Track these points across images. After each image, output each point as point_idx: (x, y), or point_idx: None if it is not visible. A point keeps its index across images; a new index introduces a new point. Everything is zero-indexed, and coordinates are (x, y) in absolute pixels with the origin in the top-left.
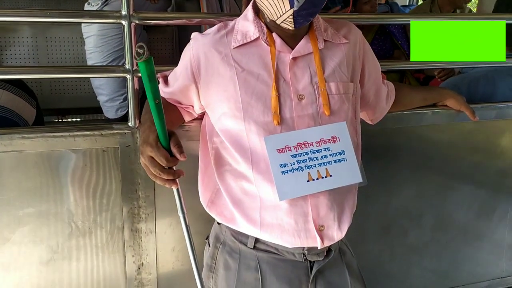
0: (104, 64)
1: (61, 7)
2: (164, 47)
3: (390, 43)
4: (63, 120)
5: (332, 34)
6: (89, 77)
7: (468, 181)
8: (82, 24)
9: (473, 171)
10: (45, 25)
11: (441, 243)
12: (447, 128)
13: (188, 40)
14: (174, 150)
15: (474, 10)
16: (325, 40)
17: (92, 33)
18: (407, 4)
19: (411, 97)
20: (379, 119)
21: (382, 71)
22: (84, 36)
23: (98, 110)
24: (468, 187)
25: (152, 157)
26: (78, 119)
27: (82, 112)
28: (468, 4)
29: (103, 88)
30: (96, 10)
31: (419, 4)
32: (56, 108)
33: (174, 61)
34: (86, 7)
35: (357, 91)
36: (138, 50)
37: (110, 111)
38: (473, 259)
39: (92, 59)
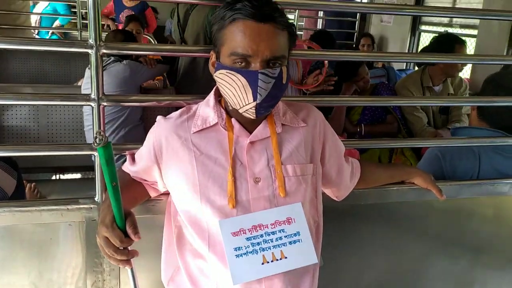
0: None
1: (70, 65)
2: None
3: (383, 108)
4: (60, 178)
5: (291, 118)
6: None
7: (443, 257)
8: (82, 87)
9: (448, 247)
10: (47, 86)
11: None
12: (419, 204)
13: None
14: (129, 230)
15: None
16: (283, 124)
17: None
18: (404, 68)
19: (377, 174)
20: (344, 196)
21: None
22: None
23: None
24: (443, 263)
25: (107, 238)
26: (78, 176)
27: (80, 170)
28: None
29: None
30: None
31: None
32: (54, 166)
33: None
34: (87, 71)
35: (318, 171)
36: (97, 136)
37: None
38: None
39: (89, 120)
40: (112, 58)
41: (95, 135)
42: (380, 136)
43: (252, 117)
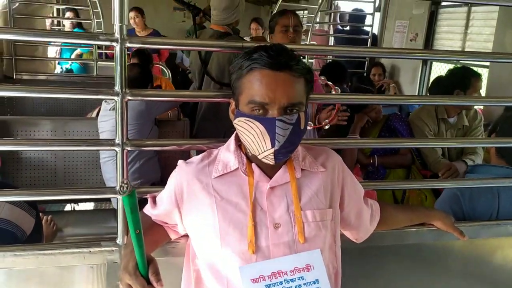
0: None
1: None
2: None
3: None
4: (75, 209)
5: (310, 163)
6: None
7: None
8: (98, 119)
9: None
10: (66, 119)
11: None
12: (439, 245)
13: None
14: (152, 278)
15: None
16: (302, 169)
17: (106, 128)
18: None
19: (396, 217)
20: (364, 239)
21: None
22: (99, 131)
23: (108, 199)
24: None
25: (130, 285)
26: (91, 207)
27: (94, 200)
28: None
29: (112, 181)
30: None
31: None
32: (69, 198)
33: (184, 156)
34: (103, 104)
35: (336, 216)
36: (123, 184)
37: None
38: None
39: (105, 153)
40: None
41: (120, 184)
42: (393, 168)
43: (271, 163)
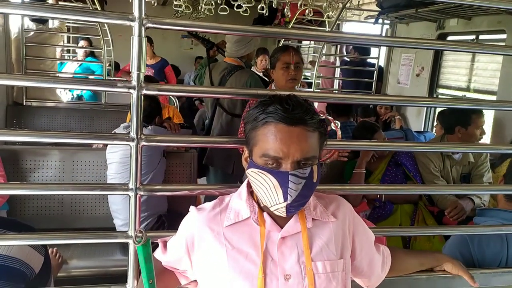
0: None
1: (94, 123)
2: (183, 171)
3: (403, 174)
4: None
5: (321, 212)
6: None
7: None
8: (107, 151)
9: None
10: (74, 150)
11: None
12: None
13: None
14: None
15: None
16: (313, 219)
17: (115, 160)
18: (422, 130)
19: (407, 262)
20: (375, 286)
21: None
22: (108, 162)
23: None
24: None
25: None
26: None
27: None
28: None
29: (119, 212)
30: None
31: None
32: (76, 228)
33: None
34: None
35: (347, 266)
36: (137, 234)
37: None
38: None
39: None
40: None
41: (135, 233)
42: (400, 203)
43: (283, 216)
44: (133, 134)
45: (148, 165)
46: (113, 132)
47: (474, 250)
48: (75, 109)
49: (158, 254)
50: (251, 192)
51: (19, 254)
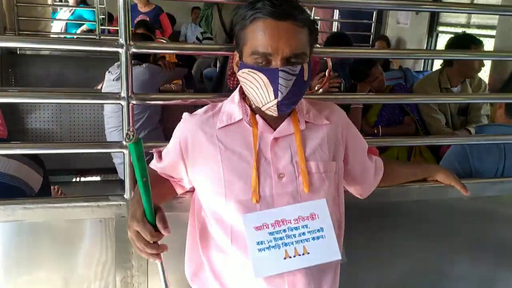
0: (120, 128)
1: (89, 71)
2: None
3: (400, 109)
4: (81, 180)
5: (314, 116)
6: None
7: (466, 257)
8: (102, 90)
9: (471, 246)
10: (68, 90)
11: None
12: (442, 202)
13: None
14: (159, 225)
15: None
16: (306, 122)
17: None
18: (422, 70)
19: (400, 172)
20: (368, 194)
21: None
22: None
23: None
24: (466, 263)
25: (138, 232)
26: (98, 179)
27: (100, 172)
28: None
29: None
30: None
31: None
32: (76, 168)
33: None
34: (107, 75)
35: (340, 169)
36: (129, 133)
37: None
38: None
39: (109, 123)
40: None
41: (126, 132)
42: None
43: (274, 115)
44: (122, 40)
45: (142, 104)
46: (107, 72)
47: (473, 161)
48: (71, 57)
49: (153, 163)
50: (243, 97)
51: (16, 172)
